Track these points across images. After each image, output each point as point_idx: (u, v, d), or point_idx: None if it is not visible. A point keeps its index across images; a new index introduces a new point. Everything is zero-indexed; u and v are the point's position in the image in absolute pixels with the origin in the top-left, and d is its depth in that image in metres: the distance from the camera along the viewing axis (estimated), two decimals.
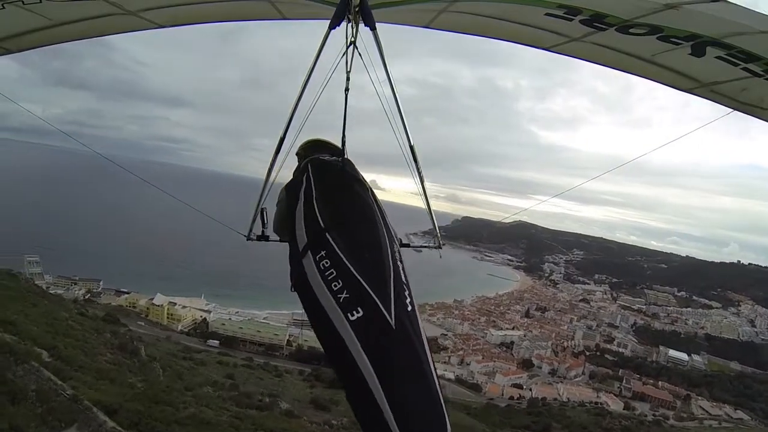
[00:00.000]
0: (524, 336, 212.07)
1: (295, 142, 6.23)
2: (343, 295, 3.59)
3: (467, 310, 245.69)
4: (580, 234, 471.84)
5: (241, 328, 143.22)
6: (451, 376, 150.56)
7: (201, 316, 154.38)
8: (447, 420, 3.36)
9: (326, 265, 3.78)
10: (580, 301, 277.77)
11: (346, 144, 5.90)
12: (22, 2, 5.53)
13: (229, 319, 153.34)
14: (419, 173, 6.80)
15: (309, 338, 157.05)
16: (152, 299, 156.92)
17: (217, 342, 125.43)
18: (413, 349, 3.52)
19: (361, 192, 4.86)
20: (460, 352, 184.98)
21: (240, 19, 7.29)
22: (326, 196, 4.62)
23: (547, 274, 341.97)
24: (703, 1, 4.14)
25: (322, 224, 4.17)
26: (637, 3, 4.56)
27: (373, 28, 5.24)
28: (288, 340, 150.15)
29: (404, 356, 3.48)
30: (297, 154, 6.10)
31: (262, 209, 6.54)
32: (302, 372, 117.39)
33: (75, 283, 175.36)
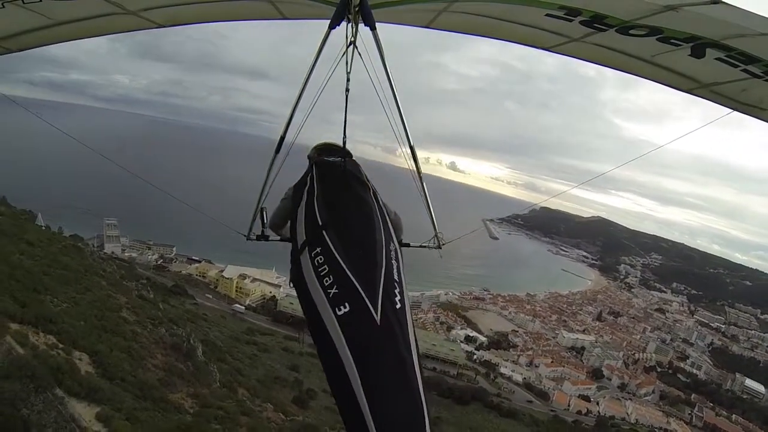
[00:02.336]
0: (596, 342, 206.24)
1: (294, 141, 6.32)
2: (333, 291, 3.69)
3: (539, 306, 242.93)
4: (660, 237, 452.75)
5: None
6: (519, 378, 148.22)
7: (270, 292, 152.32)
8: (426, 422, 3.40)
9: (320, 262, 3.90)
10: (656, 310, 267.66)
11: (346, 144, 5.84)
12: (23, 1, 5.58)
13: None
14: (419, 174, 6.91)
15: None
16: (222, 271, 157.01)
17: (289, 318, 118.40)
18: (396, 347, 3.56)
19: (361, 192, 4.92)
20: (530, 352, 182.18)
21: (240, 19, 7.30)
22: (326, 195, 4.72)
23: (622, 276, 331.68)
24: (702, 3, 4.11)
25: (320, 222, 4.28)
26: (637, 4, 4.56)
27: (373, 28, 5.26)
28: None
29: (387, 354, 3.51)
30: (308, 156, 6.11)
31: (261, 209, 6.67)
32: None
33: (149, 248, 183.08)
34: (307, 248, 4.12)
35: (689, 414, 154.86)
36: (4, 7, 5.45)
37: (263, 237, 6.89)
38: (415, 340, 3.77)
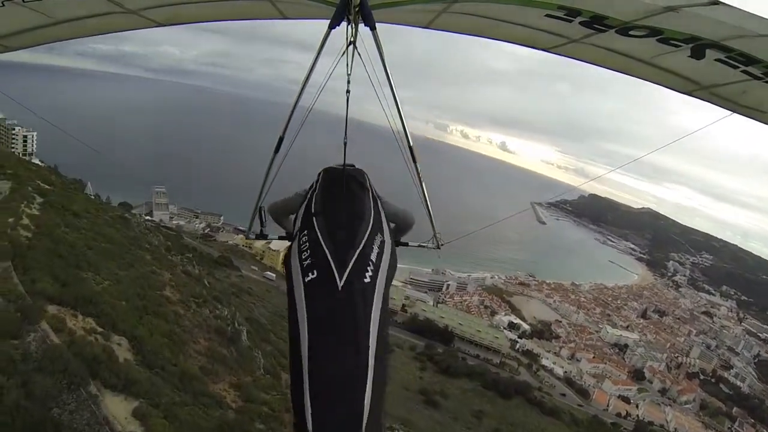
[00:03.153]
0: (639, 341, 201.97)
1: (294, 141, 6.35)
2: (307, 262, 3.87)
3: (583, 297, 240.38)
4: (712, 236, 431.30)
5: None
6: (560, 372, 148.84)
7: None
8: (367, 390, 3.35)
9: (304, 241, 4.11)
10: (702, 313, 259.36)
11: (347, 144, 5.91)
12: (23, 0, 5.59)
13: None
14: (418, 174, 6.82)
15: (426, 308, 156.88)
16: (269, 242, 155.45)
17: None
18: (353, 312, 3.62)
19: (358, 191, 4.92)
20: (572, 345, 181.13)
21: (240, 19, 7.33)
22: (324, 192, 4.80)
23: (670, 274, 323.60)
24: (702, 4, 4.10)
25: (312, 211, 4.46)
26: (636, 5, 4.56)
27: (373, 28, 5.25)
28: (403, 305, 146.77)
29: (340, 317, 3.60)
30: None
31: (260, 208, 6.70)
32: (414, 347, 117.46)
33: (197, 216, 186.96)
34: (298, 234, 4.32)
35: (729, 428, 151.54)
36: (3, 5, 5.46)
37: (262, 236, 6.99)
38: (382, 316, 3.80)
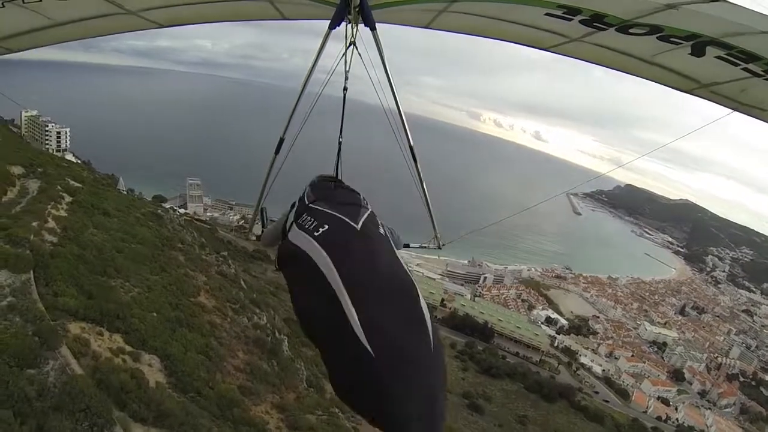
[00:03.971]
0: (678, 339, 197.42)
1: (295, 141, 6.36)
2: (313, 224, 3.59)
3: (620, 292, 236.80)
4: (753, 230, 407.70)
5: None
6: (599, 370, 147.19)
7: None
8: (428, 325, 2.82)
9: (305, 219, 3.80)
10: (743, 311, 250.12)
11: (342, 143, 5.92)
12: (22, 1, 5.60)
13: None
14: (419, 174, 6.83)
15: (465, 302, 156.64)
16: None
17: None
18: (381, 247, 3.38)
19: (351, 191, 4.82)
20: (610, 342, 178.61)
21: (240, 19, 7.34)
22: (316, 191, 4.61)
23: (708, 269, 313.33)
24: (703, 1, 4.11)
25: (306, 202, 4.22)
26: (637, 3, 4.57)
27: (373, 29, 5.27)
28: (442, 300, 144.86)
29: (367, 246, 3.32)
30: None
31: (262, 209, 6.87)
32: (455, 345, 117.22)
33: (231, 208, 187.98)
34: (294, 223, 3.97)
35: None
36: (3, 6, 5.48)
37: None
38: (403, 261, 3.40)
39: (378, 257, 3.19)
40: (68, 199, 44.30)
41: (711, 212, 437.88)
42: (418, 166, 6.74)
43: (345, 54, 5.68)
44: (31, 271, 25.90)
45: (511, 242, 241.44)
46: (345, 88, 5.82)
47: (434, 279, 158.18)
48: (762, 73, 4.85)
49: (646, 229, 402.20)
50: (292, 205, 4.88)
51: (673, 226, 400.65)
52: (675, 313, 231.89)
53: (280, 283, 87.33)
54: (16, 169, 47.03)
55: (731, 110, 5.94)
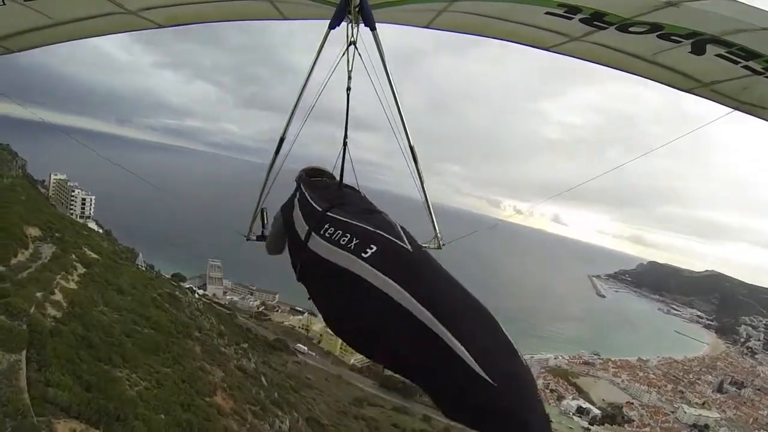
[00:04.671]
0: (720, 420, 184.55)
1: (295, 141, 6.37)
2: (353, 243, 3.48)
3: (653, 374, 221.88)
4: None
5: None
6: None
7: None
8: (509, 338, 3.03)
9: (332, 233, 3.72)
10: None
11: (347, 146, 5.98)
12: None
13: None
14: (419, 174, 6.79)
15: None
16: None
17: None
18: (437, 265, 3.37)
19: (356, 192, 5.00)
20: (647, 429, 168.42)
21: (240, 19, 7.35)
22: (321, 194, 4.66)
23: (743, 340, 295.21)
24: None
25: (320, 209, 4.17)
26: (637, 1, 4.59)
27: (373, 28, 5.28)
28: None
29: (432, 271, 3.30)
30: (296, 179, 5.92)
31: (262, 209, 6.76)
32: None
33: (251, 293, 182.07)
34: (313, 232, 3.94)
35: None
36: (4, 3, 5.50)
37: (263, 237, 6.87)
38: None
39: (448, 283, 3.22)
40: (81, 270, 42.18)
41: (738, 280, 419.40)
42: (419, 166, 6.69)
43: (346, 53, 5.67)
44: (24, 351, 22.82)
45: (536, 329, 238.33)
46: (348, 89, 5.82)
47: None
48: (762, 70, 4.86)
49: (673, 306, 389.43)
50: (288, 206, 4.94)
51: (701, 299, 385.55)
52: (713, 392, 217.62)
53: (301, 378, 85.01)
54: (33, 231, 44.89)
55: (732, 109, 5.89)
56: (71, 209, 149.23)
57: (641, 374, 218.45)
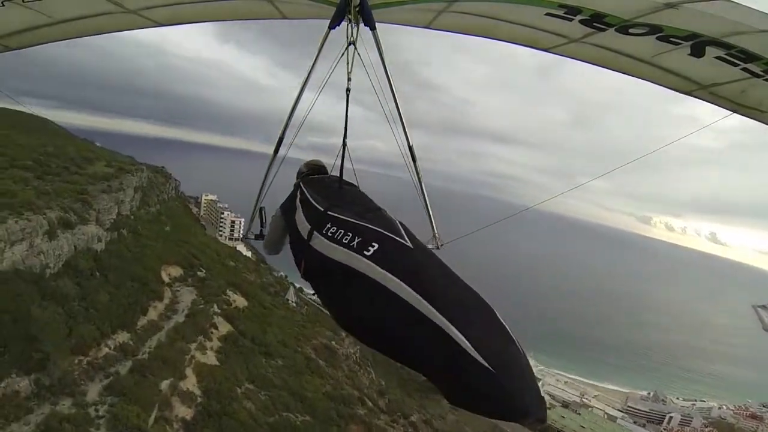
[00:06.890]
0: None
1: (294, 140, 6.36)
2: (356, 242, 3.63)
3: None
4: None
5: None
6: None
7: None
8: (508, 330, 3.16)
9: (334, 231, 3.86)
10: None
11: (347, 146, 6.04)
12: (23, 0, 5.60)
13: None
14: (418, 173, 6.87)
15: None
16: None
17: None
18: (438, 260, 3.54)
19: (355, 189, 5.08)
20: None
21: (240, 19, 7.36)
22: (321, 193, 4.74)
23: None
24: None
25: (321, 208, 4.29)
26: (636, 3, 4.59)
27: (373, 28, 5.29)
28: None
29: (432, 266, 3.47)
30: (298, 173, 6.26)
31: (260, 208, 6.75)
32: None
33: None
34: (315, 232, 4.08)
35: None
36: (3, 5, 5.50)
37: (261, 236, 6.85)
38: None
39: (447, 277, 3.39)
40: (223, 329, 36.77)
41: None
42: (417, 166, 6.77)
43: (346, 53, 5.64)
44: None
45: (692, 371, 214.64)
46: (348, 89, 5.81)
47: (611, 416, 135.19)
48: (761, 73, 4.88)
49: None
50: (289, 206, 5.03)
51: None
52: None
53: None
54: (173, 270, 41.50)
55: (731, 112, 5.92)
56: (220, 231, 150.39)
57: None
